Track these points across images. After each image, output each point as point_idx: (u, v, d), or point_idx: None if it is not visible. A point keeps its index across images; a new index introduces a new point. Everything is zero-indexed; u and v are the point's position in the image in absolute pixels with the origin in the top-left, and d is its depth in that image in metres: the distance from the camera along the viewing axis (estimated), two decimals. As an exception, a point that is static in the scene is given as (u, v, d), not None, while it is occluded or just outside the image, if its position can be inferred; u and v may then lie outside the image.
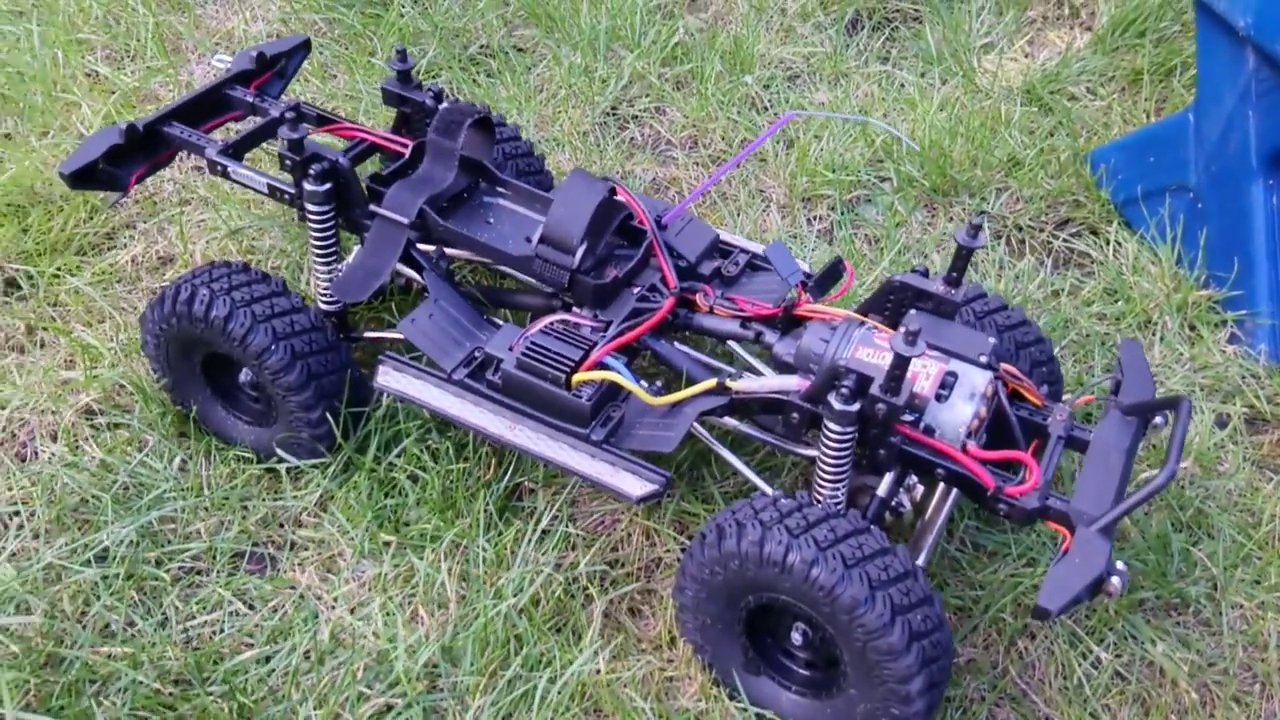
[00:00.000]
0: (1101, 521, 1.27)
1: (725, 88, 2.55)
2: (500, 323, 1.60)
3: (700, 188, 1.71)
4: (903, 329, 1.26)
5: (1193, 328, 2.06)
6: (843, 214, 2.27)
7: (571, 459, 1.45)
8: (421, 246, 1.68)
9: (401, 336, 1.57)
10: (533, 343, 1.49)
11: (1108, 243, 2.23)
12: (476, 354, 1.53)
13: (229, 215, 2.10)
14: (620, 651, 1.51)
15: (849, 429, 1.35)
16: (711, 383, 1.46)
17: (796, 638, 1.39)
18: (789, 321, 1.57)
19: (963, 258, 1.47)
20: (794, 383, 1.43)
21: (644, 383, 1.50)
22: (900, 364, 1.29)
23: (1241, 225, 2.04)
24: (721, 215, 2.23)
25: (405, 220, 1.62)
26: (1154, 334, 2.04)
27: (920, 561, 1.45)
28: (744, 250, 1.72)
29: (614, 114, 2.51)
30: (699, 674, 1.47)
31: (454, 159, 1.67)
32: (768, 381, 1.45)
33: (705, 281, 1.65)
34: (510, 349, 1.50)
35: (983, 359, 1.42)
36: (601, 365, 1.48)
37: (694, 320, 1.62)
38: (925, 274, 1.52)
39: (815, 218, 2.29)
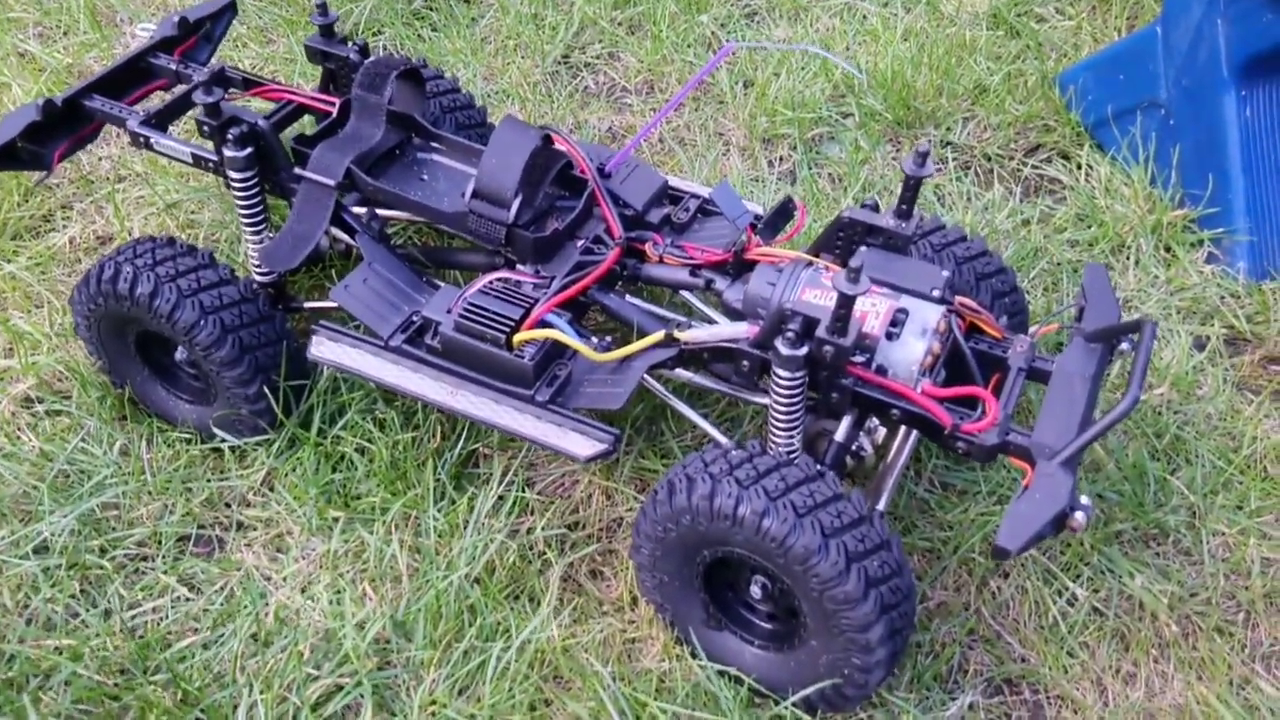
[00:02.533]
0: (1063, 454, 1.21)
1: (680, 29, 2.46)
2: (441, 284, 1.53)
3: (642, 132, 1.63)
4: (847, 267, 1.21)
5: (1168, 249, 1.99)
6: (805, 153, 2.19)
7: (516, 422, 1.39)
8: (358, 209, 1.61)
9: (337, 304, 1.50)
10: (470, 303, 1.42)
11: (1079, 167, 2.15)
12: (414, 318, 1.47)
13: (165, 189, 2.03)
14: (581, 615, 1.46)
15: (798, 374, 1.29)
16: (659, 335, 1.40)
17: (756, 590, 1.34)
18: (740, 266, 1.51)
19: (911, 188, 1.41)
20: (743, 330, 1.37)
21: (594, 338, 1.44)
22: (845, 303, 1.23)
23: (1215, 139, 1.96)
24: (679, 160, 2.15)
25: (331, 182, 1.55)
26: (1128, 258, 1.97)
27: (880, 505, 1.39)
28: (694, 195, 1.65)
29: (566, 62, 2.42)
30: (661, 634, 1.43)
31: (381, 115, 1.60)
32: (717, 330, 1.39)
33: (655, 230, 1.59)
34: (448, 311, 1.43)
35: (935, 293, 1.36)
36: (543, 323, 1.41)
37: (643, 270, 1.56)
38: (875, 208, 1.46)
39: (777, 159, 2.21)
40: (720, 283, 1.50)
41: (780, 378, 1.30)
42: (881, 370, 1.33)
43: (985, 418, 1.30)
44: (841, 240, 1.46)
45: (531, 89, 2.31)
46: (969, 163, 2.20)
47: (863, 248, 1.43)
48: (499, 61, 2.39)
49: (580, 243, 1.54)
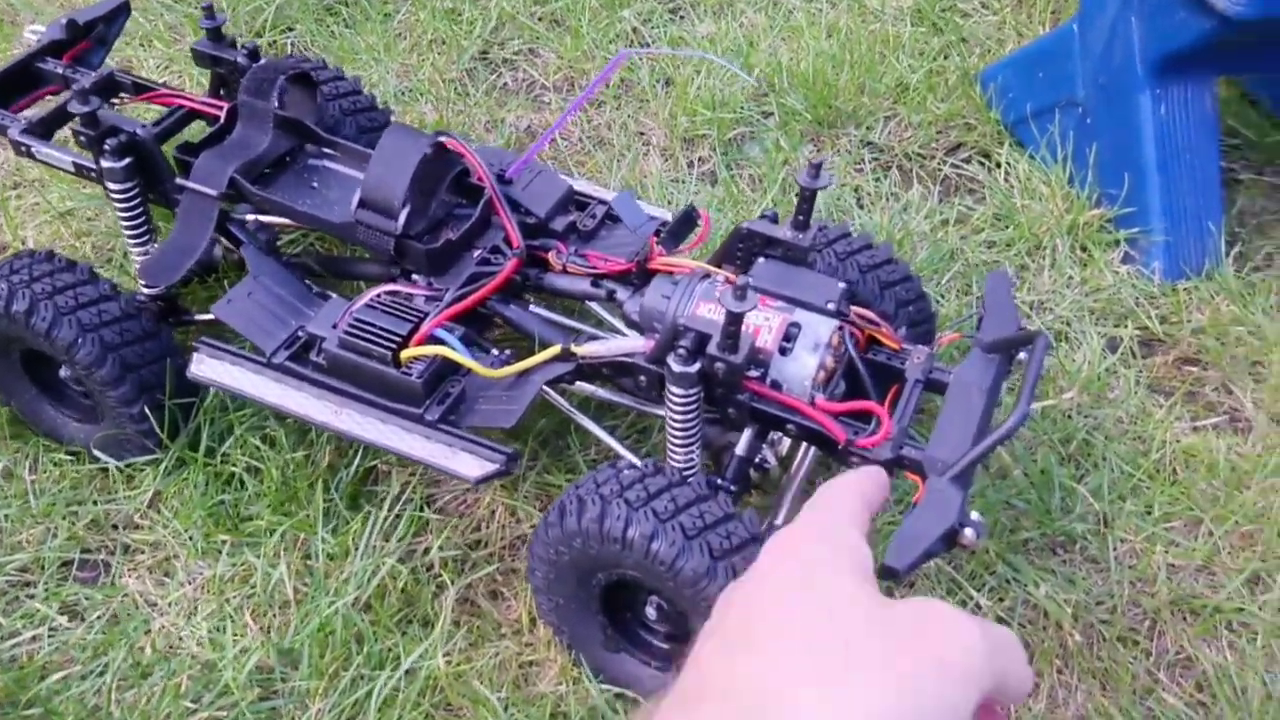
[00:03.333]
0: (952, 469, 1.19)
1: (601, 25, 2.41)
2: (333, 295, 1.48)
3: (543, 138, 1.58)
4: (734, 285, 1.19)
5: (1085, 249, 1.98)
6: (725, 154, 2.16)
7: (404, 442, 1.35)
8: (250, 218, 1.56)
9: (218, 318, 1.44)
10: (356, 319, 1.36)
11: (999, 165, 2.14)
12: (300, 334, 1.41)
13: (59, 197, 1.96)
14: (478, 639, 1.43)
15: (691, 390, 1.27)
16: (555, 349, 1.36)
17: (651, 612, 1.31)
18: (643, 276, 1.47)
19: (807, 200, 1.38)
20: (639, 344, 1.34)
21: (495, 351, 1.40)
22: (733, 320, 1.20)
23: (1130, 139, 1.95)
24: (598, 161, 2.11)
25: (214, 192, 1.48)
26: (1044, 258, 1.96)
27: (779, 520, 1.37)
28: (600, 200, 1.61)
29: (484, 59, 2.37)
30: (559, 656, 1.40)
31: (269, 120, 1.54)
32: (613, 344, 1.36)
33: (559, 238, 1.54)
34: (334, 326, 1.38)
35: (830, 305, 1.33)
36: (432, 338, 1.37)
37: (545, 281, 1.51)
38: (774, 219, 1.44)
39: (698, 159, 2.17)
40: (622, 293, 1.46)
41: (674, 394, 1.27)
42: (776, 385, 1.31)
43: (878, 432, 1.28)
44: (741, 251, 1.43)
45: (447, 86, 2.25)
46: (889, 163, 2.18)
47: (761, 259, 1.40)
48: (414, 58, 2.33)
49: (477, 253, 1.49)
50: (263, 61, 1.58)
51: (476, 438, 1.34)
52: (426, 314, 1.39)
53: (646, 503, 1.21)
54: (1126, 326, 1.85)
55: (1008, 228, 2.02)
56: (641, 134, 2.21)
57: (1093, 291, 1.90)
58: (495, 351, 1.40)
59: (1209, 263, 1.92)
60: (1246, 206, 2.10)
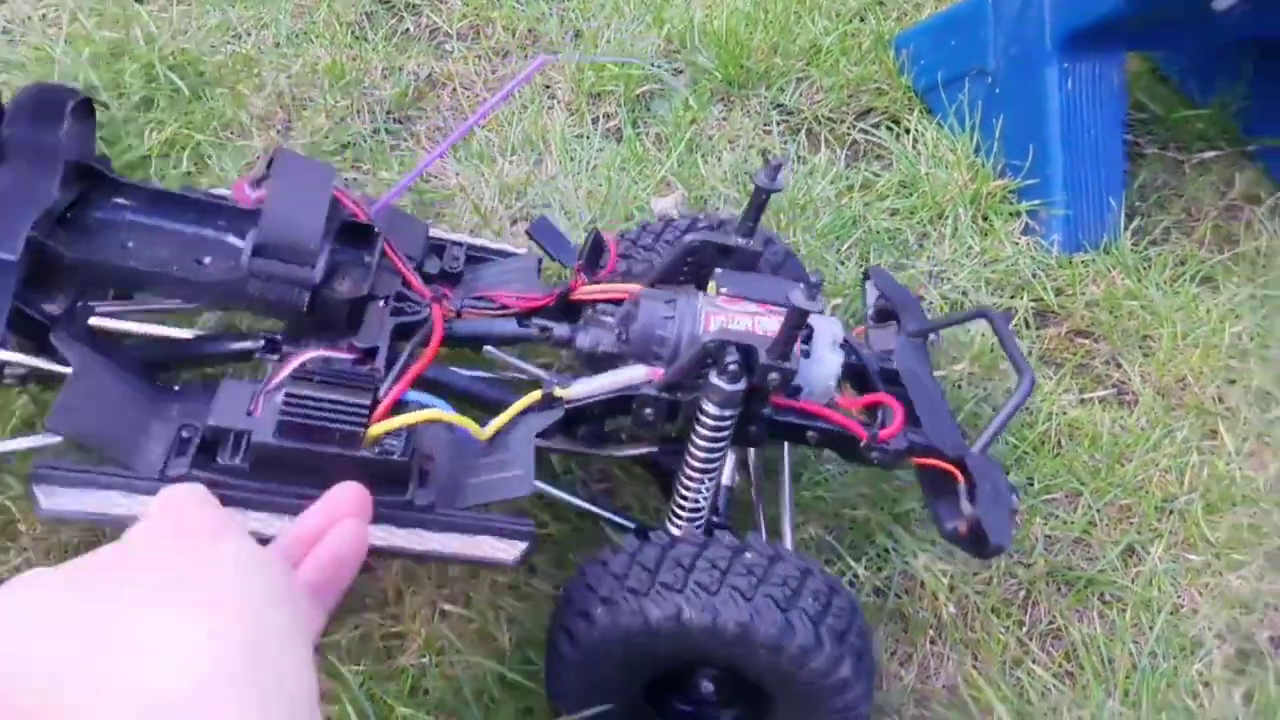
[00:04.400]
0: (980, 443, 1.22)
1: (512, -28, 2.33)
2: (176, 388, 1.18)
3: (419, 167, 1.38)
4: (801, 284, 1.10)
5: (986, 219, 1.97)
6: (631, 112, 2.11)
7: (401, 539, 1.09)
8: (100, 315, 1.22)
9: (55, 438, 1.08)
10: (294, 397, 1.06)
11: (907, 132, 2.12)
12: (187, 433, 1.10)
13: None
14: (340, 611, 1.38)
15: (732, 411, 1.16)
16: (535, 395, 1.20)
17: (707, 686, 1.22)
18: (565, 309, 1.36)
19: (759, 200, 1.31)
20: (643, 373, 1.20)
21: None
22: (797, 323, 1.10)
23: (1036, 111, 1.94)
24: (498, 118, 2.04)
25: (11, 257, 1.11)
26: (945, 227, 1.95)
27: (788, 543, 1.33)
28: (455, 243, 1.46)
29: (385, 2, 2.27)
30: (424, 629, 1.35)
31: (57, 162, 1.19)
32: (610, 378, 1.21)
33: (433, 283, 1.37)
34: (250, 413, 1.09)
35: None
36: (401, 405, 1.13)
37: (458, 329, 1.32)
38: (715, 226, 1.38)
39: (603, 115, 2.12)
40: (560, 330, 1.32)
41: (709, 417, 1.16)
42: (796, 391, 1.24)
43: (893, 423, 1.24)
44: (690, 265, 1.34)
45: (344, 29, 2.16)
46: (798, 126, 2.15)
47: (718, 270, 1.31)
48: (312, -1, 2.23)
49: (383, 305, 1.27)
50: (34, 85, 1.27)
51: (483, 515, 1.13)
52: (371, 380, 1.13)
53: (722, 581, 1.10)
54: (1022, 298, 1.85)
55: (911, 195, 2.00)
56: (547, 87, 2.15)
57: (991, 262, 1.90)
58: (428, 395, 1.19)
59: (1107, 236, 1.93)
60: (1149, 180, 2.11)
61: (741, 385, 1.13)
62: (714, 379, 1.13)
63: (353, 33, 2.17)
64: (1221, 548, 1.54)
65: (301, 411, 1.06)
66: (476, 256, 1.47)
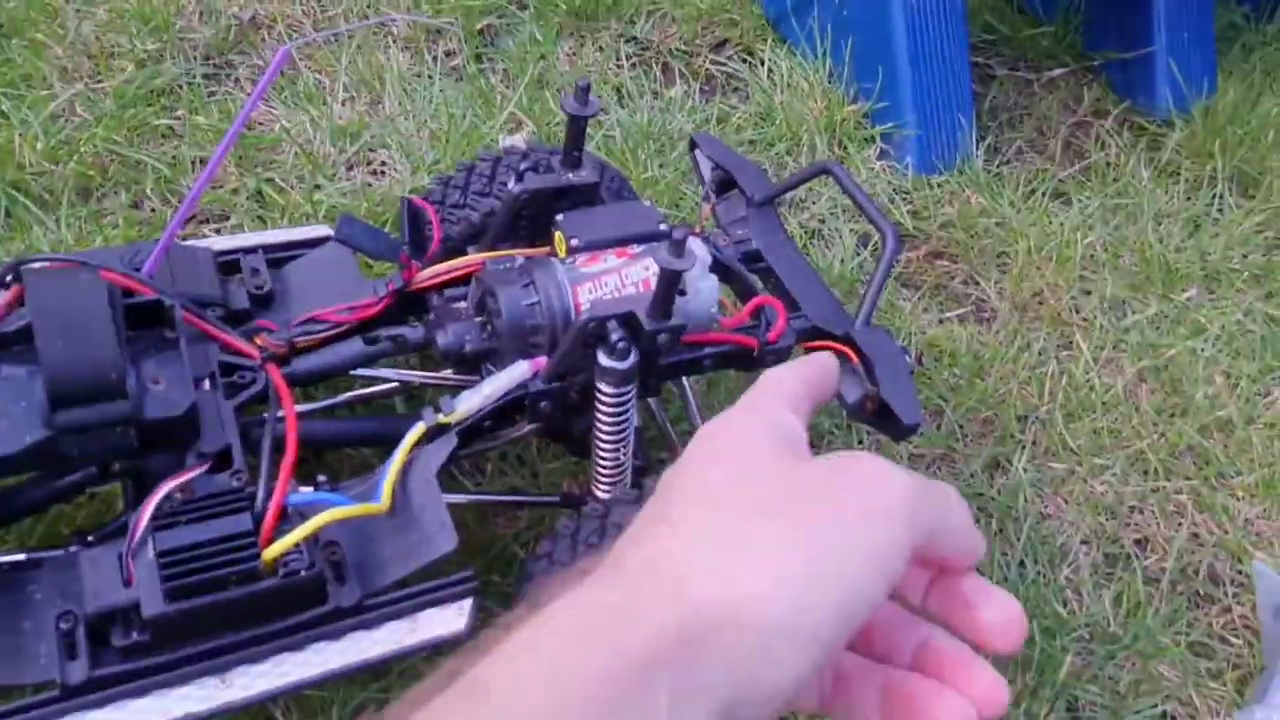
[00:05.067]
0: (861, 316, 1.20)
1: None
2: (23, 556, 1.02)
3: (178, 216, 1.14)
4: (663, 225, 1.15)
5: (842, 146, 1.94)
6: (474, 48, 2.00)
7: (346, 656, 0.99)
8: None
9: None
10: (167, 554, 0.95)
11: (762, 63, 2.07)
12: (65, 623, 0.94)
13: None
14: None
15: (629, 384, 1.09)
16: (419, 430, 1.08)
17: None
18: (407, 305, 1.23)
19: (578, 128, 1.23)
20: (526, 369, 1.11)
21: (306, 488, 1.06)
22: (672, 280, 1.04)
23: (882, 31, 1.91)
24: (328, 58, 1.91)
25: None
26: (803, 156, 1.91)
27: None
28: (247, 250, 1.28)
29: (202, -57, 2.11)
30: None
31: None
32: (495, 383, 1.10)
33: (246, 318, 1.20)
34: (127, 584, 0.95)
35: (664, 226, 1.21)
36: (287, 511, 1.01)
37: (298, 369, 1.16)
38: (535, 169, 1.27)
39: (444, 53, 2.00)
40: (413, 333, 1.20)
41: (607, 396, 1.09)
42: (683, 329, 1.14)
43: (777, 321, 1.20)
44: (526, 219, 1.24)
45: (156, -28, 1.99)
46: (652, 59, 2.08)
47: (559, 217, 1.20)
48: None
49: (207, 388, 1.10)
50: None
51: (413, 589, 1.03)
52: (243, 492, 1.01)
53: None
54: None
55: (769, 126, 1.96)
56: (383, 25, 2.02)
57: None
58: (308, 488, 1.06)
59: (960, 157, 1.92)
60: (1000, 101, 2.11)
61: (633, 359, 1.06)
62: (604, 360, 1.06)
63: (164, -27, 2.00)
64: (1083, 454, 1.55)
65: (183, 569, 0.94)
66: (278, 258, 1.29)
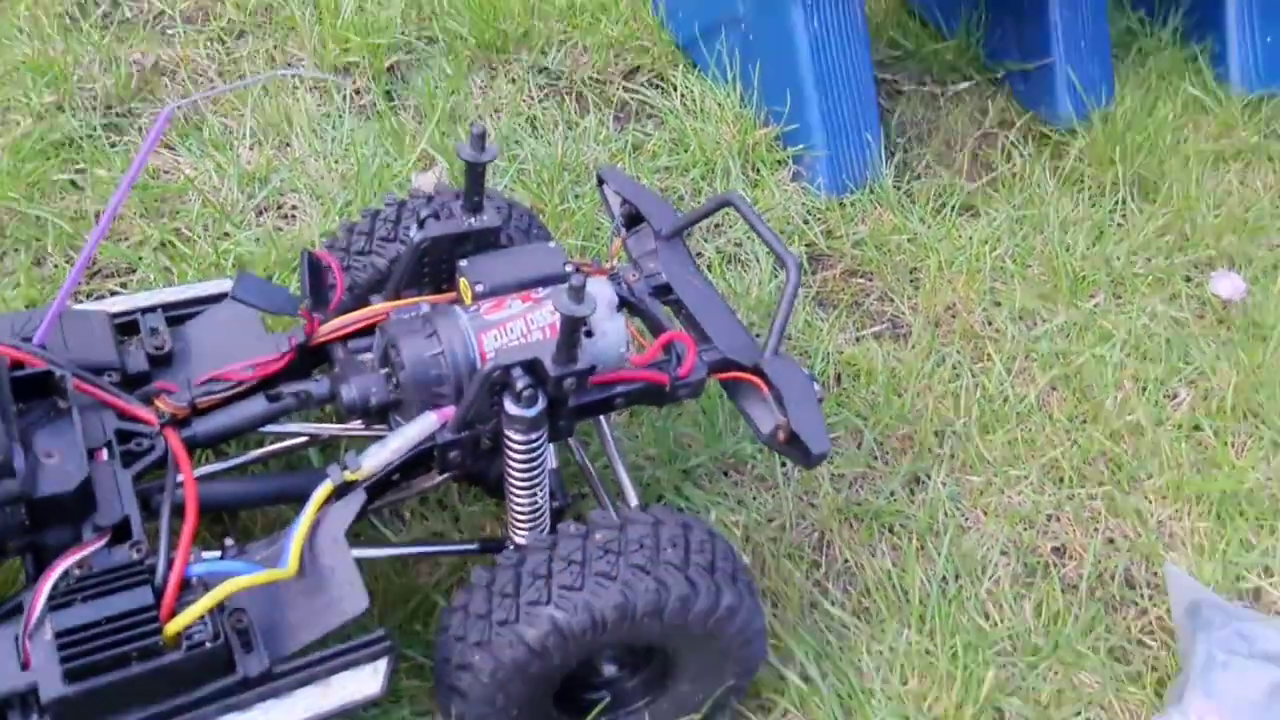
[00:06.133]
0: (771, 345, 1.21)
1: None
2: None
3: (67, 284, 1.10)
4: (566, 269, 1.19)
5: (756, 169, 1.96)
6: (384, 84, 1.99)
7: None
8: None
9: None
10: (66, 635, 0.92)
11: (674, 89, 2.08)
12: None
13: None
14: None
15: (538, 431, 1.08)
16: (326, 488, 1.07)
17: (609, 668, 1.20)
18: (311, 359, 1.22)
19: (476, 174, 1.23)
20: (433, 421, 1.10)
21: (210, 554, 1.05)
22: (573, 326, 1.04)
23: (787, 53, 1.94)
24: (233, 103, 1.89)
25: None
26: (717, 181, 1.93)
27: (633, 499, 1.30)
28: (147, 310, 1.26)
29: (99, -11, 2.07)
30: None
31: None
32: (403, 436, 1.09)
33: (145, 380, 1.18)
34: (24, 667, 0.93)
35: (569, 268, 1.21)
36: (189, 581, 0.99)
37: (199, 433, 1.14)
38: (437, 215, 1.28)
39: (353, 92, 1.99)
40: (318, 388, 1.18)
41: (516, 444, 1.09)
42: (591, 371, 1.14)
43: (687, 356, 1.20)
44: (429, 265, 1.24)
45: (52, 20, 1.95)
46: (564, 89, 2.08)
47: (463, 263, 1.21)
48: (12, -12, 2.01)
49: (103, 458, 1.07)
50: None
51: (326, 652, 1.01)
52: (142, 565, 0.99)
53: (582, 575, 1.07)
54: (795, 243, 1.85)
55: (683, 153, 1.97)
56: (290, 64, 2.00)
57: (763, 211, 1.88)
58: (212, 553, 1.04)
59: (870, 175, 1.95)
60: (908, 116, 2.15)
61: (541, 406, 1.07)
62: (511, 409, 1.06)
63: (62, 24, 1.96)
64: (999, 465, 1.57)
65: (82, 649, 0.91)
66: (178, 315, 1.26)
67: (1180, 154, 2.08)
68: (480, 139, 1.20)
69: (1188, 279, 1.89)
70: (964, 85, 2.22)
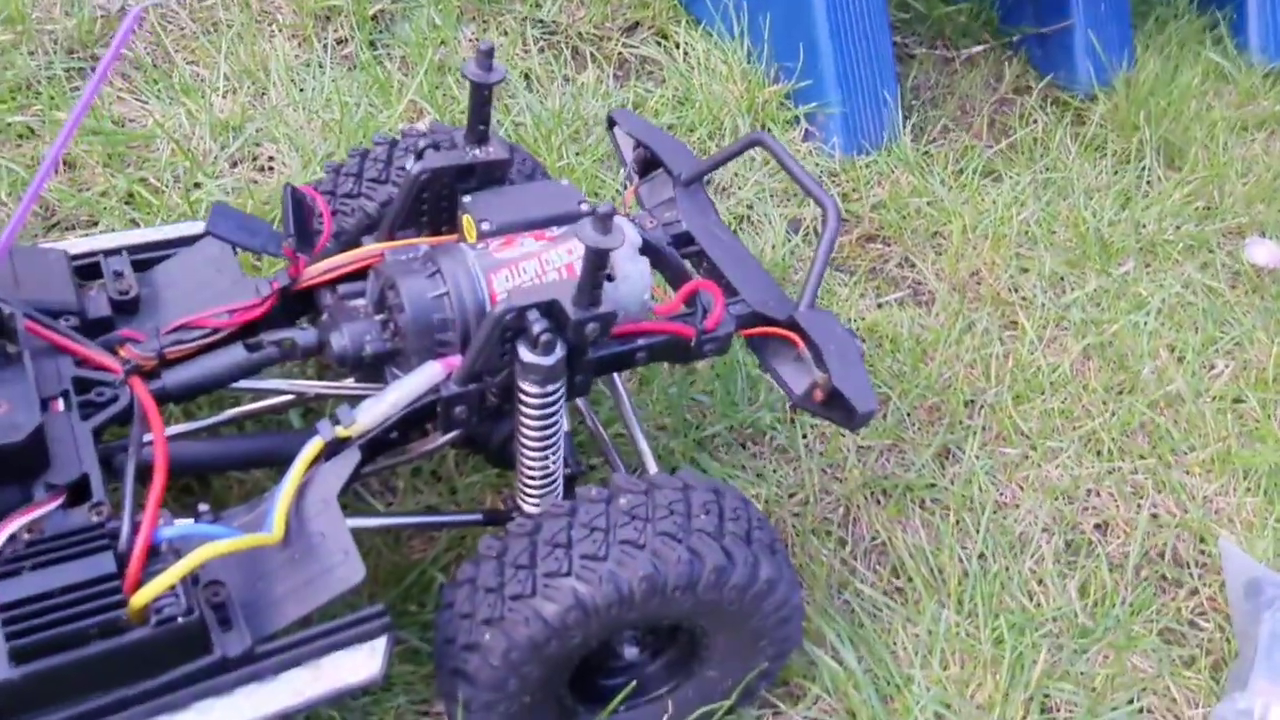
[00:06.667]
0: (806, 297, 1.10)
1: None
2: None
3: (21, 209, 0.94)
4: (583, 204, 1.05)
5: (765, 128, 1.85)
6: (369, 33, 1.86)
7: (236, 714, 0.84)
8: None
9: None
10: (11, 608, 0.80)
11: (676, 45, 1.97)
12: None
13: None
14: None
15: (556, 383, 0.96)
16: (316, 445, 0.94)
17: (631, 651, 1.08)
18: (295, 306, 1.09)
19: (482, 98, 1.09)
20: (437, 371, 0.98)
21: (197, 518, 0.91)
22: (599, 262, 0.91)
23: (802, 7, 1.83)
24: (205, 49, 1.74)
25: None
26: (724, 139, 1.81)
27: (651, 466, 1.17)
28: (110, 251, 1.13)
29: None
30: None
31: None
32: (402, 388, 0.97)
33: (108, 327, 1.05)
34: None
35: (584, 206, 1.08)
36: (160, 548, 0.85)
37: (169, 383, 1.00)
38: (437, 147, 1.14)
39: (334, 40, 1.85)
40: (304, 336, 1.04)
41: (532, 396, 0.96)
42: (614, 319, 1.02)
43: (715, 308, 1.08)
44: (428, 202, 1.11)
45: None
46: (561, 43, 1.95)
47: (466, 198, 1.08)
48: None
49: (60, 409, 0.94)
50: None
51: (316, 629, 0.89)
52: (105, 526, 0.86)
53: (606, 542, 0.95)
54: (809, 206, 1.74)
55: (688, 110, 1.85)
56: (267, 12, 1.86)
57: (775, 172, 1.77)
58: (185, 520, 0.90)
59: (887, 135, 1.85)
60: (921, 80, 2.05)
61: (560, 354, 0.95)
62: (526, 355, 0.94)
63: (18, -39, 1.81)
64: (1036, 437, 1.47)
65: (31, 624, 0.79)
66: (145, 260, 1.13)
67: (1204, 121, 2.00)
68: (488, 56, 1.07)
69: (1219, 246, 1.80)
70: (977, 49, 2.12)
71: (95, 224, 1.49)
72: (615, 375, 1.21)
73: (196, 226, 1.18)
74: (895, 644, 1.23)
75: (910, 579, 1.30)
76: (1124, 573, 1.34)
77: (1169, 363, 1.59)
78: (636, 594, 0.93)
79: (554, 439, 1.02)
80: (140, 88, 1.67)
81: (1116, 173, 1.90)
